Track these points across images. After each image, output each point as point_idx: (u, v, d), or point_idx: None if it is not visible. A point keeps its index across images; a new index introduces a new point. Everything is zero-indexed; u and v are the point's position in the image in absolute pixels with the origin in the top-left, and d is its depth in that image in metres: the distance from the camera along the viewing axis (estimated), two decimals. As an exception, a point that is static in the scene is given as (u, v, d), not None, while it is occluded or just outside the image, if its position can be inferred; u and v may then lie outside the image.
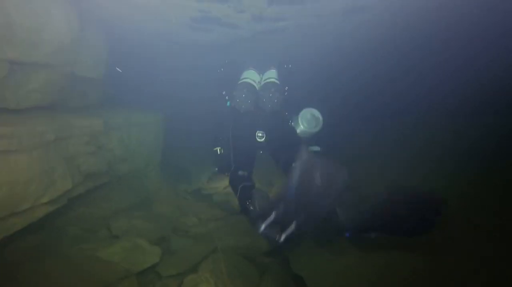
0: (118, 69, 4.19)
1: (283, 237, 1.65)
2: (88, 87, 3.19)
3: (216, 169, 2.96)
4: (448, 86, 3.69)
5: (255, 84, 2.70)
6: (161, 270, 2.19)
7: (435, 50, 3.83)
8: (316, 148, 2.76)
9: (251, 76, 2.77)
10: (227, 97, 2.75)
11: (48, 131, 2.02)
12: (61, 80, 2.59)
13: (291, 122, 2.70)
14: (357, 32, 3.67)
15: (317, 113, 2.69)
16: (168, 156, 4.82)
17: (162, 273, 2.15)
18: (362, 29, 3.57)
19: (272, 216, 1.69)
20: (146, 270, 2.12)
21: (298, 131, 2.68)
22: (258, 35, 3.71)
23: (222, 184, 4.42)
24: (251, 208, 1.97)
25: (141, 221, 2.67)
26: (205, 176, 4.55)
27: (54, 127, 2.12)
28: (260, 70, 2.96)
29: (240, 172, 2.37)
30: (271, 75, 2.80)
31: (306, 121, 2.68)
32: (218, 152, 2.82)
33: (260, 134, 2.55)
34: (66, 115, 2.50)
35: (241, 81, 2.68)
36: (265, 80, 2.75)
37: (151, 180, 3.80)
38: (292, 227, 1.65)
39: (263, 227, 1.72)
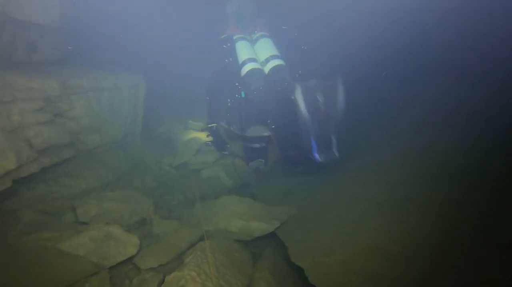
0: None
1: None
2: (38, 37, 2.50)
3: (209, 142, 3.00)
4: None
5: (261, 67, 2.63)
6: (140, 262, 1.88)
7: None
8: None
9: (249, 54, 2.66)
10: (239, 87, 2.66)
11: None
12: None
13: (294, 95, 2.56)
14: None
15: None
16: (151, 124, 4.32)
17: (141, 266, 1.84)
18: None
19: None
20: (120, 263, 1.80)
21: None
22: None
23: (212, 158, 4.05)
24: None
25: (115, 202, 2.28)
26: (193, 148, 4.14)
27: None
28: (245, 33, 2.82)
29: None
30: (270, 49, 2.67)
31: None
32: (215, 128, 2.83)
33: (270, 122, 2.58)
34: (3, 73, 1.91)
35: (250, 68, 2.58)
36: (267, 59, 2.63)
37: (129, 153, 3.36)
38: None
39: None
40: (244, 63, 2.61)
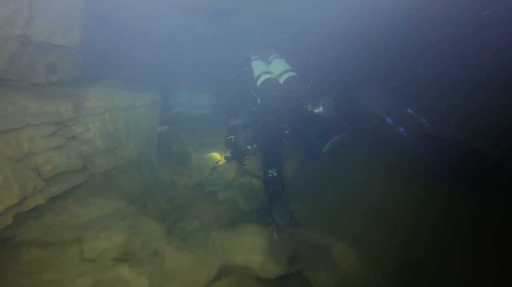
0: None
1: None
2: (58, 58, 2.46)
3: (229, 155, 3.08)
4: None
5: (275, 78, 2.83)
6: (149, 308, 1.65)
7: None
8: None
9: (264, 69, 2.91)
10: (255, 95, 2.83)
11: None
12: (5, 46, 1.88)
13: (309, 106, 2.77)
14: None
15: (333, 101, 2.80)
16: (166, 140, 4.22)
17: (150, 314, 1.61)
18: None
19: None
20: (127, 311, 1.58)
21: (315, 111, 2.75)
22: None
23: (228, 176, 3.83)
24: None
25: (126, 234, 2.10)
26: (209, 166, 3.96)
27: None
28: (262, 57, 3.05)
29: (270, 172, 2.59)
30: (284, 66, 2.91)
31: (326, 106, 2.77)
32: (233, 141, 2.96)
33: (285, 125, 2.76)
34: (15, 96, 1.82)
35: (265, 78, 2.78)
36: (281, 73, 2.85)
37: (143, 175, 3.21)
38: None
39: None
40: (259, 75, 2.84)
